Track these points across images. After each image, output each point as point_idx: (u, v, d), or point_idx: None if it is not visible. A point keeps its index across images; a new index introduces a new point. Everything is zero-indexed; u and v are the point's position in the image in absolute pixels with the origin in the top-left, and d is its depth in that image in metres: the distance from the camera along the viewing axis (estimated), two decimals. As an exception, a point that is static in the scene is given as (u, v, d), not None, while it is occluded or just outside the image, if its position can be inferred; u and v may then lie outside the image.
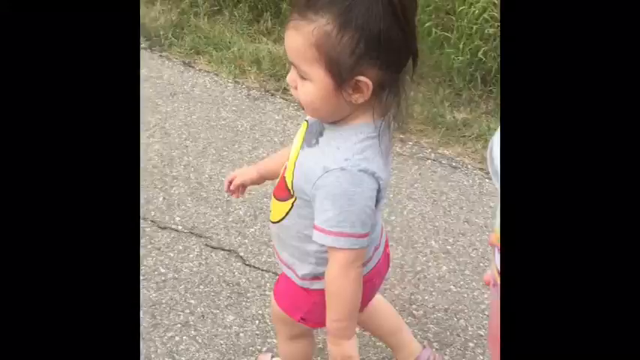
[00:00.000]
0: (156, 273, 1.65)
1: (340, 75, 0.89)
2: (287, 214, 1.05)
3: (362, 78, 0.89)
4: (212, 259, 1.70)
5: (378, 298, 1.32)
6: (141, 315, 1.51)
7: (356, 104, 0.93)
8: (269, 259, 1.69)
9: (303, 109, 0.97)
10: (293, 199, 1.03)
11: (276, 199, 1.08)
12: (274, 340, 1.48)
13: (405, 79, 0.96)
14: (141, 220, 1.77)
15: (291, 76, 0.94)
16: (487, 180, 2.00)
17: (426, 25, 2.32)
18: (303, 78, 0.91)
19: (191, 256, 1.71)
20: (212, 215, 1.84)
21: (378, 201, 0.99)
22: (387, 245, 1.19)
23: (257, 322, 1.55)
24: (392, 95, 0.95)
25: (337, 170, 0.94)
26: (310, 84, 0.91)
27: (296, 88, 0.94)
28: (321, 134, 0.99)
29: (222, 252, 1.72)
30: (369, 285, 1.11)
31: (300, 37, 0.88)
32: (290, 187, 1.03)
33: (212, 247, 1.74)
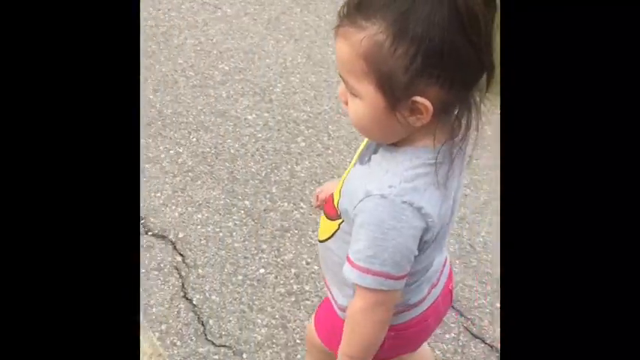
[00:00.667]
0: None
1: (393, 94, 0.77)
2: (332, 235, 0.95)
3: (419, 99, 0.77)
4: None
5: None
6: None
7: (415, 126, 0.80)
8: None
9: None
10: (340, 220, 0.93)
11: (325, 217, 0.98)
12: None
13: (477, 99, 0.81)
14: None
15: (341, 90, 0.83)
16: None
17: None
18: (352, 94, 0.80)
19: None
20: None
21: (425, 243, 0.86)
22: (450, 279, 1.07)
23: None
24: (459, 118, 0.82)
25: (378, 197, 0.82)
26: (359, 102, 0.80)
27: (346, 103, 0.83)
28: (375, 152, 0.88)
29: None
30: (422, 326, 1.03)
31: (348, 47, 0.76)
32: (337, 206, 0.93)
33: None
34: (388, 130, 0.82)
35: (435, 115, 0.78)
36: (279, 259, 1.72)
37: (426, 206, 0.82)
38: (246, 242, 1.76)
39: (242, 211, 1.85)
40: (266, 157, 2.05)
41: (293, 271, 1.69)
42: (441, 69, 0.75)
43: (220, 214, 1.84)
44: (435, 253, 0.93)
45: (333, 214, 0.94)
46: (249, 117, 2.21)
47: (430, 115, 0.78)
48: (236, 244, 1.75)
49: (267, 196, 1.91)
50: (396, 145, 0.85)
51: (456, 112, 0.81)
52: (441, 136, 0.82)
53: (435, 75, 0.75)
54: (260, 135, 2.14)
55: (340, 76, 0.81)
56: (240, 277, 1.66)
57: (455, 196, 0.90)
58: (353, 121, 0.84)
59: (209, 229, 1.79)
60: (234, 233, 1.79)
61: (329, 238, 0.96)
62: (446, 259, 1.04)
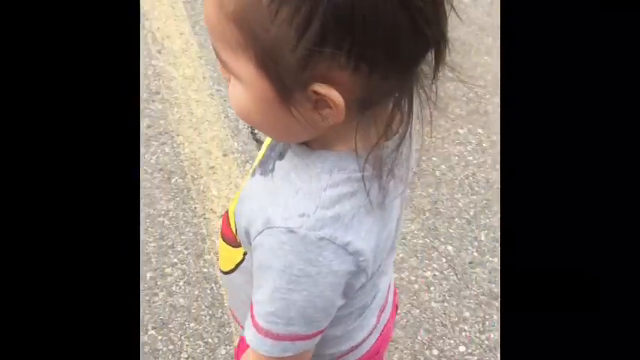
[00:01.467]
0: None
1: (281, 79, 0.51)
2: (237, 267, 0.71)
3: (321, 88, 0.51)
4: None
5: None
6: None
7: (322, 126, 0.55)
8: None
9: None
10: (244, 251, 0.69)
11: (224, 241, 0.74)
12: None
13: (419, 88, 0.56)
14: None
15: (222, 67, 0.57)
16: None
17: None
18: (230, 73, 0.55)
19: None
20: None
21: (360, 288, 0.63)
22: (395, 293, 0.88)
23: None
24: (394, 112, 0.56)
25: (283, 230, 0.57)
26: (240, 86, 0.54)
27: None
28: (281, 156, 0.63)
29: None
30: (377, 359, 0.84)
31: (212, 5, 0.51)
32: (234, 230, 0.68)
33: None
34: (285, 129, 0.57)
35: (354, 110, 0.54)
36: (483, 337, 1.41)
37: (354, 241, 0.58)
38: (445, 304, 1.46)
39: (444, 259, 1.55)
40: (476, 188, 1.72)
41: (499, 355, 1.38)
42: (352, 43, 0.48)
43: (417, 258, 1.54)
44: (380, 279, 0.73)
45: (232, 239, 0.70)
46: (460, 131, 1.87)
47: (342, 112, 0.53)
48: (433, 304, 1.46)
49: (474, 244, 1.59)
50: (309, 145, 0.60)
51: (390, 104, 0.56)
52: (369, 137, 0.56)
53: (345, 53, 0.49)
54: (471, 158, 1.80)
55: (213, 47, 0.55)
56: (435, 353, 1.38)
57: (399, 215, 0.69)
58: (236, 111, 0.57)
59: (403, 275, 1.51)
60: (431, 288, 1.49)
61: (233, 270, 0.72)
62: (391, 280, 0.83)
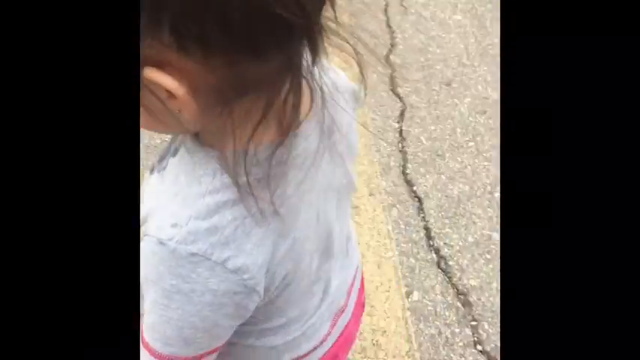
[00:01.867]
0: None
1: None
2: None
3: (150, 72, 0.45)
4: None
5: None
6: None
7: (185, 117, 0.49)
8: None
9: None
10: None
11: None
12: None
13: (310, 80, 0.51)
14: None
15: None
16: None
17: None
18: None
19: None
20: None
21: (250, 310, 0.58)
22: (362, 288, 0.83)
23: None
24: (283, 103, 0.50)
25: (154, 241, 0.52)
26: None
27: None
28: (175, 152, 0.58)
29: None
30: None
31: None
32: None
33: None
34: (153, 119, 0.50)
35: (217, 102, 0.47)
36: None
37: (234, 257, 0.52)
38: None
39: None
40: None
41: None
42: (172, 18, 0.42)
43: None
44: (317, 286, 0.68)
45: None
46: None
47: (188, 101, 0.46)
48: None
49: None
50: (201, 140, 0.54)
51: (279, 97, 0.49)
52: (261, 133, 0.51)
53: (166, 29, 0.42)
54: None
55: None
56: None
57: (326, 215, 0.63)
58: None
59: None
60: None
61: None
62: (356, 270, 0.79)
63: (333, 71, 0.63)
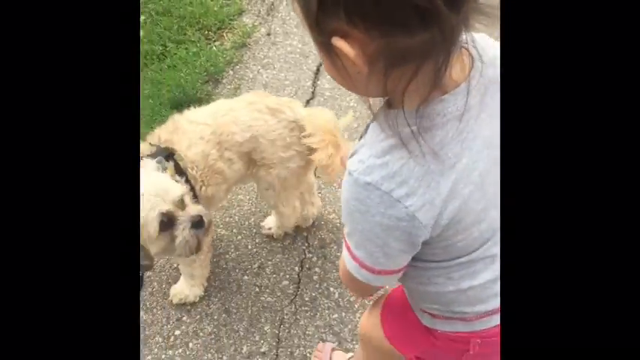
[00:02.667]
0: None
1: (317, 39, 0.67)
2: None
3: (335, 40, 0.64)
4: None
5: None
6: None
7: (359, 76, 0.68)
8: None
9: None
10: None
11: None
12: None
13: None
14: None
15: None
16: None
17: None
18: None
19: None
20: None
21: (418, 241, 0.77)
22: None
23: None
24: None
25: (347, 172, 0.75)
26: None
27: None
28: (373, 119, 0.77)
29: None
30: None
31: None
32: None
33: None
34: (346, 80, 0.70)
35: (382, 66, 0.65)
36: None
37: (399, 189, 0.71)
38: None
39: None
40: None
41: None
42: (354, 6, 0.60)
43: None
44: (481, 227, 0.80)
45: None
46: None
47: (358, 62, 0.64)
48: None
49: None
50: (389, 106, 0.74)
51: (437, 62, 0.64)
52: (417, 92, 0.68)
53: (342, 8, 0.60)
54: None
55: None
56: None
57: (487, 170, 0.76)
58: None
59: None
60: None
61: None
62: None
63: (483, 38, 0.77)
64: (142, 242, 1.48)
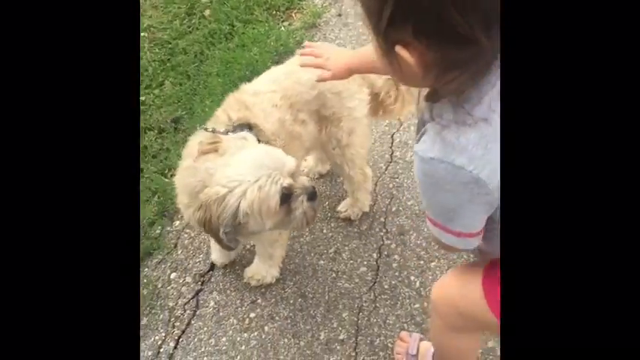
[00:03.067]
0: None
1: (383, 47, 0.84)
2: None
3: (399, 49, 0.81)
4: None
5: None
6: None
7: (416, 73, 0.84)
8: None
9: None
10: None
11: None
12: None
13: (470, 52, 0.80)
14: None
15: None
16: None
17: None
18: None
19: None
20: None
21: (492, 205, 0.91)
22: None
23: None
24: (446, 72, 0.82)
25: (415, 154, 0.92)
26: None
27: None
28: (431, 119, 0.93)
29: None
30: None
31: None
32: None
33: None
34: (406, 78, 0.89)
35: (436, 71, 0.82)
36: None
37: (459, 157, 0.85)
38: None
39: None
40: None
41: None
42: (414, 22, 0.77)
43: None
44: None
45: None
46: None
47: (416, 66, 0.82)
48: None
49: None
50: (435, 97, 0.92)
51: (438, 67, 0.82)
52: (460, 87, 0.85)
53: (411, 26, 0.77)
54: None
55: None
56: None
57: None
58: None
59: None
60: None
61: None
62: None
63: None
64: (242, 217, 1.42)
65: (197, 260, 2.09)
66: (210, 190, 1.42)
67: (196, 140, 1.55)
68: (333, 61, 1.41)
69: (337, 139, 1.86)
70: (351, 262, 2.04)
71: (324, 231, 2.13)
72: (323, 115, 1.80)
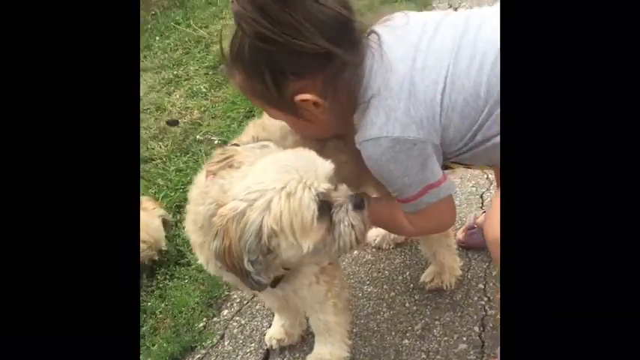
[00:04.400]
0: None
1: (280, 105, 1.13)
2: None
3: (298, 98, 1.08)
4: None
5: None
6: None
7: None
8: None
9: None
10: None
11: None
12: None
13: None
14: None
15: None
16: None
17: None
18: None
19: None
20: None
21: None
22: None
23: None
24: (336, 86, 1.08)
25: (360, 148, 1.17)
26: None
27: None
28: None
29: None
30: None
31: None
32: None
33: None
34: (315, 126, 1.18)
35: (331, 91, 1.09)
36: None
37: (393, 129, 1.08)
38: None
39: None
40: None
41: None
42: (287, 65, 1.03)
43: None
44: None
45: None
46: None
47: (321, 100, 1.09)
48: None
49: None
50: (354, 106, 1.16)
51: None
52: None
53: (293, 74, 1.05)
54: None
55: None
56: None
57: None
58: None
59: None
60: None
61: None
62: None
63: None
64: (266, 237, 1.05)
65: (248, 350, 1.65)
66: (225, 208, 1.07)
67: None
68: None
69: None
70: (446, 338, 1.54)
71: (407, 305, 1.66)
72: None
